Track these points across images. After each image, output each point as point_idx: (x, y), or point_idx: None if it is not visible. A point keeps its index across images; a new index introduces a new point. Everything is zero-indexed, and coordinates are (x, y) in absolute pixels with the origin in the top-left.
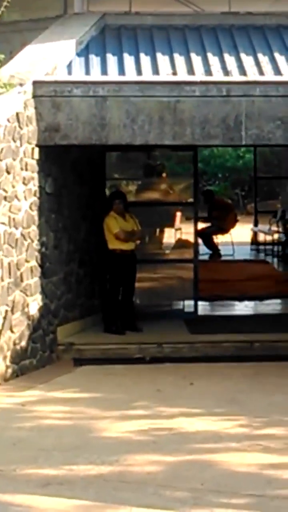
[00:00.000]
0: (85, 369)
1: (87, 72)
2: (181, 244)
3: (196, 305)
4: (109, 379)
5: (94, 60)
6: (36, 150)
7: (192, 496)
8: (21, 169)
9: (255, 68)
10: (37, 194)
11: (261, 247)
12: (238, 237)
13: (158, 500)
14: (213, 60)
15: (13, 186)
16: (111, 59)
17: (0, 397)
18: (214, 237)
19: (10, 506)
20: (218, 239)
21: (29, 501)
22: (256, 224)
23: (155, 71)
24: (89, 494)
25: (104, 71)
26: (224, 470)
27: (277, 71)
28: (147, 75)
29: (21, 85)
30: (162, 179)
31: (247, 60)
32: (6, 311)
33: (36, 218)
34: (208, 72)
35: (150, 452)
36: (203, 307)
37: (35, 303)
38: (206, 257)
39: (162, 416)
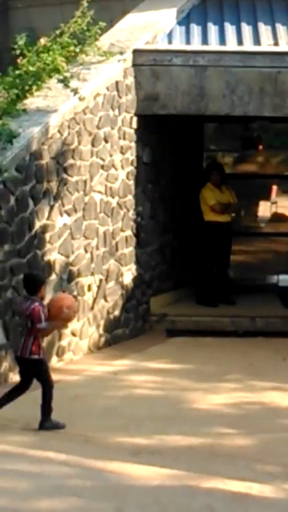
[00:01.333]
0: (177, 341)
1: (188, 41)
2: (277, 217)
3: None
4: (201, 351)
5: (195, 29)
6: (135, 119)
7: (284, 471)
8: (119, 138)
9: None
10: (134, 164)
11: None
12: None
13: (249, 473)
14: None
15: (111, 155)
16: (212, 29)
17: (93, 365)
18: None
19: (102, 472)
20: None
21: (120, 468)
22: None
23: (256, 41)
24: (181, 464)
25: (204, 41)
26: None
27: None
28: (248, 45)
29: (121, 53)
30: (260, 151)
31: None
32: (101, 280)
33: (133, 187)
34: None
35: (241, 426)
36: None
37: (129, 273)
38: None
39: (254, 390)
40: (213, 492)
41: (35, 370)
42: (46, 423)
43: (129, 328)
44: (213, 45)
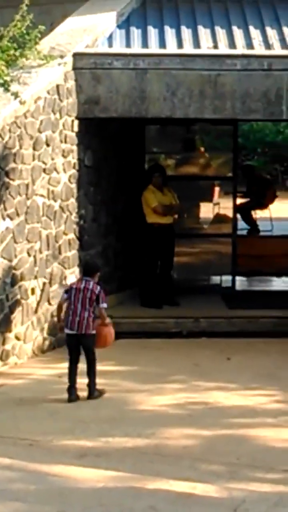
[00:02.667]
0: (122, 342)
1: (128, 44)
2: (219, 218)
3: (234, 280)
4: (146, 352)
5: (135, 32)
6: (76, 122)
7: (228, 470)
8: (61, 141)
9: None
10: (76, 167)
11: None
12: (277, 212)
13: (194, 474)
14: (255, 33)
15: (52, 159)
16: (152, 32)
17: (37, 368)
18: (252, 212)
19: (47, 476)
20: (257, 214)
21: (66, 471)
22: None
23: (196, 44)
24: (126, 466)
25: (144, 44)
26: (260, 445)
27: None
28: (188, 48)
29: (61, 57)
30: (201, 153)
31: None
32: (44, 283)
33: (75, 190)
34: (249, 45)
35: (186, 426)
36: (241, 282)
37: (73, 276)
38: (244, 232)
39: (199, 390)
40: (157, 493)
41: (91, 345)
42: (95, 392)
43: None
44: (153, 48)
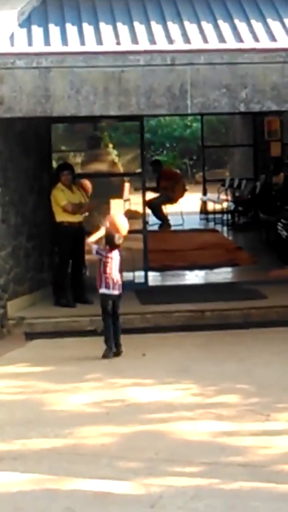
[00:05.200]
0: (37, 343)
1: (30, 43)
2: (130, 215)
3: (146, 276)
4: (61, 352)
5: (37, 31)
6: None
7: (146, 466)
8: None
9: (199, 36)
10: None
11: (210, 216)
12: (187, 206)
13: (111, 472)
14: (157, 28)
15: None
16: (54, 30)
17: None
18: (163, 207)
19: None
20: (167, 209)
21: None
22: (205, 193)
23: (99, 41)
24: (43, 468)
25: (47, 42)
26: (177, 440)
27: (221, 39)
28: (91, 45)
29: None
30: (110, 150)
31: (191, 28)
32: None
33: None
34: (152, 41)
35: (104, 424)
36: (153, 278)
37: None
38: (155, 228)
39: (115, 387)
40: (74, 494)
41: None
42: None
43: None
44: (56, 46)
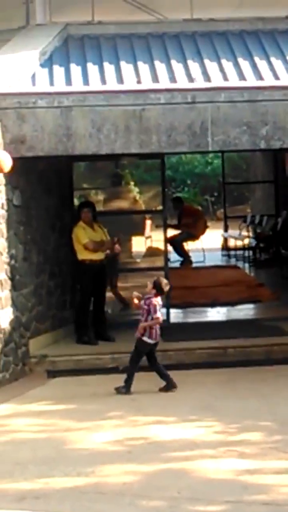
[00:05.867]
0: (59, 381)
1: (51, 82)
2: (151, 252)
3: (168, 313)
4: (83, 390)
5: (58, 70)
6: None
7: (169, 505)
8: None
9: (219, 74)
10: (5, 207)
11: (232, 252)
12: (209, 243)
13: (134, 510)
14: (177, 67)
15: None
16: (75, 69)
17: None
18: (184, 244)
19: None
20: (189, 245)
21: None
22: (226, 230)
23: (120, 80)
24: (65, 507)
25: (68, 82)
26: (200, 478)
27: (241, 77)
28: (112, 84)
29: None
30: (131, 187)
31: (211, 66)
32: None
33: (5, 231)
34: (172, 79)
35: (126, 462)
36: (175, 314)
37: (6, 316)
38: (177, 264)
39: (137, 425)
40: None
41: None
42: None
43: (9, 372)
44: (77, 85)
